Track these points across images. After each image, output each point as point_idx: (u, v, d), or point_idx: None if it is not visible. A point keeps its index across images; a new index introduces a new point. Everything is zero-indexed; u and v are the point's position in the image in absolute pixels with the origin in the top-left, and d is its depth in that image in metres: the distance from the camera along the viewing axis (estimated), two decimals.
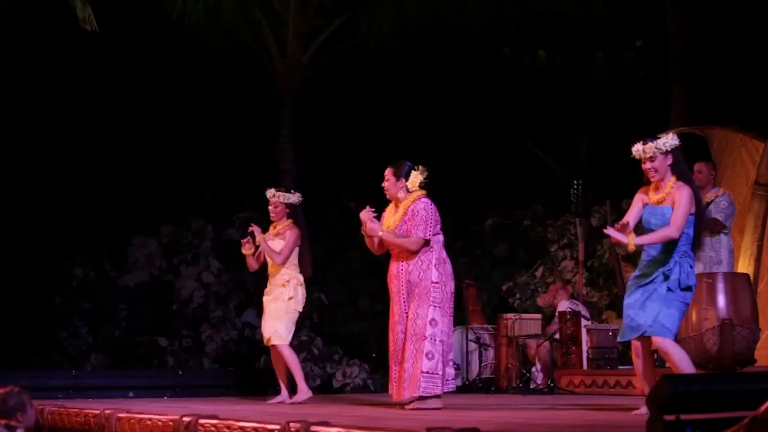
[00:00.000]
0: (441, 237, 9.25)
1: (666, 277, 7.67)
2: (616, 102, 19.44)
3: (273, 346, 10.88)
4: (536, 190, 19.88)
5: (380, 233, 9.22)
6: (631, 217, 7.90)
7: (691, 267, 7.72)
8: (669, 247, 7.70)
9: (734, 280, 10.16)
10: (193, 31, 16.78)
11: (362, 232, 9.36)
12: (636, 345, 7.87)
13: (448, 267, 9.22)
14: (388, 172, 9.39)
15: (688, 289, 7.71)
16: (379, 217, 9.48)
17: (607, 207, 15.92)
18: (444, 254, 9.23)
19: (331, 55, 17.79)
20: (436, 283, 9.05)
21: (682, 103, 16.97)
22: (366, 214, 9.35)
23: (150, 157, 19.05)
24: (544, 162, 20.25)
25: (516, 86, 19.79)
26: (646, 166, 7.80)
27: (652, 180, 7.85)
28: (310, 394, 10.88)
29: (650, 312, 7.66)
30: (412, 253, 9.13)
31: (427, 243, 9.13)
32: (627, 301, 7.88)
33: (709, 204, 10.58)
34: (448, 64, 19.22)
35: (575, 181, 15.79)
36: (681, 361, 7.66)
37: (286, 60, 17.34)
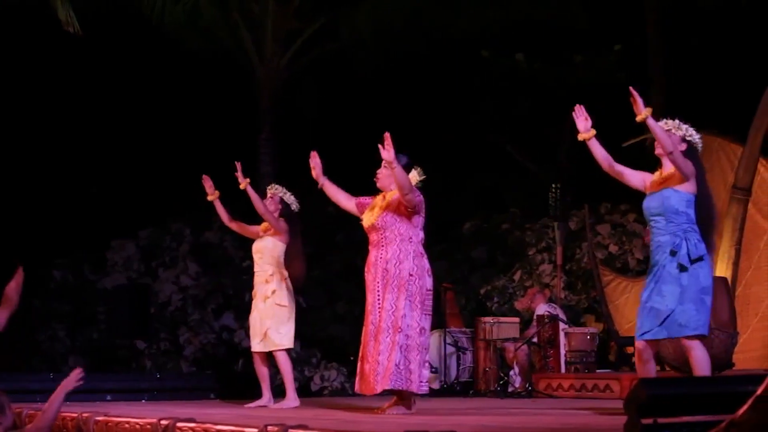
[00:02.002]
0: (422, 234, 9.11)
1: (673, 254, 7.51)
2: (595, 106, 19.43)
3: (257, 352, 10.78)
4: (515, 194, 19.87)
5: (393, 163, 8.87)
6: (627, 169, 8.03)
7: (699, 240, 7.54)
8: (671, 229, 7.56)
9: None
10: (172, 34, 16.75)
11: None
12: (640, 348, 7.67)
13: (425, 262, 9.03)
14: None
15: (700, 259, 7.49)
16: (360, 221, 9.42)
17: (585, 211, 15.92)
18: (422, 249, 9.07)
19: (311, 58, 17.77)
20: (411, 275, 8.91)
21: (661, 107, 16.99)
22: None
23: (129, 160, 19.00)
24: (522, 165, 20.25)
25: (495, 90, 19.79)
26: None
27: (655, 151, 7.81)
28: (297, 403, 10.52)
29: (669, 296, 7.46)
30: (408, 204, 8.91)
31: (416, 210, 8.98)
32: (643, 296, 7.64)
33: None
34: (428, 67, 19.20)
35: (553, 185, 15.81)
36: (700, 364, 7.48)
37: (265, 63, 17.33)
